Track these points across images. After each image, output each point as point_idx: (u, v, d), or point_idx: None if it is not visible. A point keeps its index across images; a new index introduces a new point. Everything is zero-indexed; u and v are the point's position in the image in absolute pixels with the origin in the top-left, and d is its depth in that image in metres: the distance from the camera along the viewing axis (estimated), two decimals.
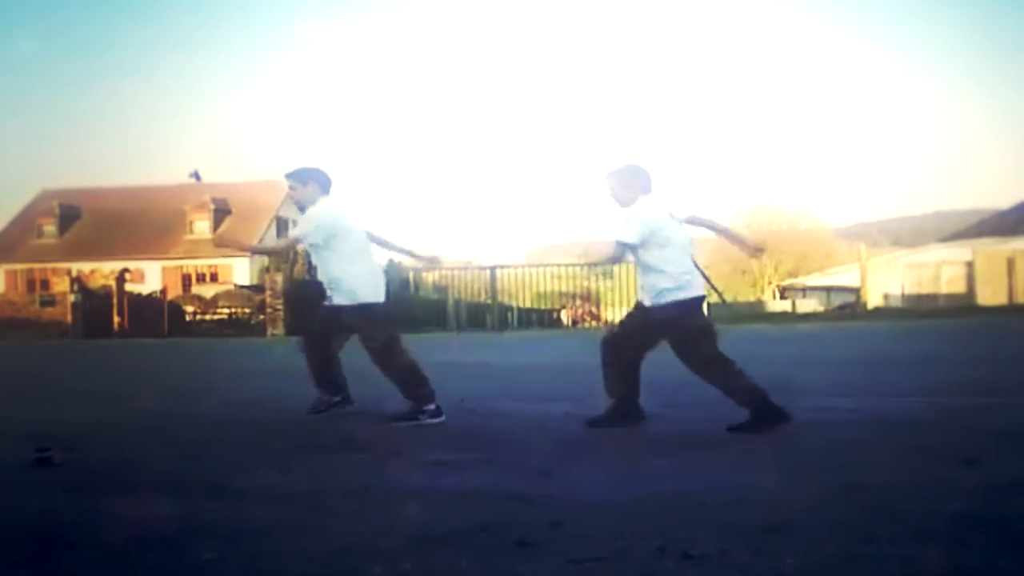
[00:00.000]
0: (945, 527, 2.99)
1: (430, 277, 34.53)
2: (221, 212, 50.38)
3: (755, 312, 32.08)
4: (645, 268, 5.44)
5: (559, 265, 30.73)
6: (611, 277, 30.27)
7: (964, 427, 5.28)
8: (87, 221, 51.84)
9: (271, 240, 44.31)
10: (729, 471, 4.13)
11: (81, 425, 6.31)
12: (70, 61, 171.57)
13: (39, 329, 29.57)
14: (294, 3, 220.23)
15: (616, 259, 5.75)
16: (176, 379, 11.53)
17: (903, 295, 35.16)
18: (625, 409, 5.47)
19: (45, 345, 24.73)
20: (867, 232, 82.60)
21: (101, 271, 37.03)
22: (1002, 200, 61.09)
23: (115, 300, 31.20)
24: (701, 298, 5.61)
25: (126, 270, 35.02)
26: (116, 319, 30.79)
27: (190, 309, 33.81)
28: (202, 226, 50.16)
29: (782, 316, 28.76)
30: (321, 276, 6.14)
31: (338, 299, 6.03)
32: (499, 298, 30.32)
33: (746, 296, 51.02)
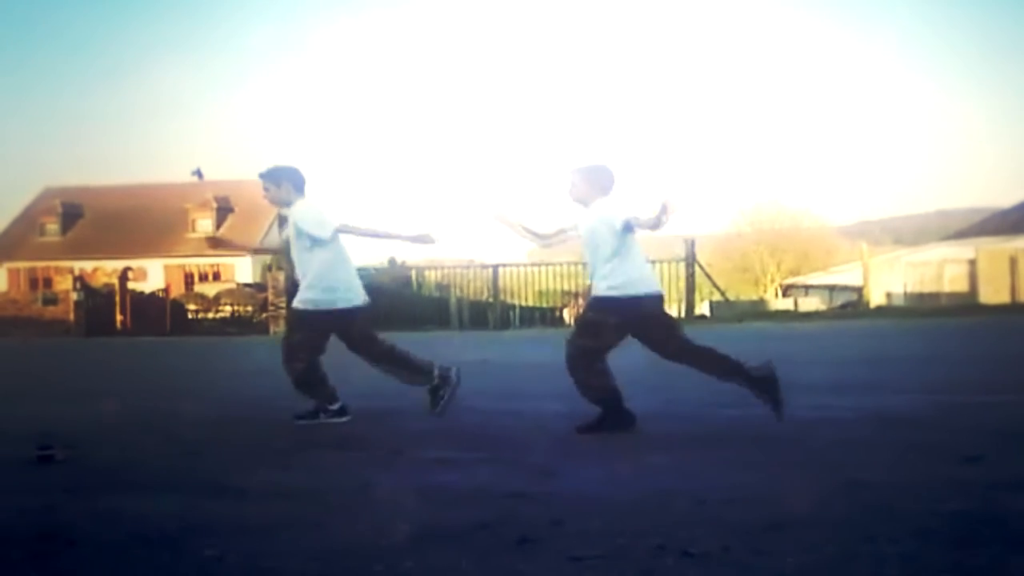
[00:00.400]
0: (946, 526, 2.99)
1: (432, 276, 34.52)
2: (223, 210, 50.41)
3: (757, 310, 32.01)
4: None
5: (561, 263, 30.66)
6: None
7: (965, 425, 5.27)
8: (89, 219, 51.86)
9: (273, 239, 44.40)
10: (729, 469, 4.12)
11: (83, 423, 6.32)
12: (71, 60, 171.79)
13: (42, 327, 29.59)
14: (297, 1, 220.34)
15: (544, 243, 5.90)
16: (178, 378, 11.54)
17: (905, 294, 35.10)
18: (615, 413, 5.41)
19: (47, 343, 24.75)
20: (869, 230, 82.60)
21: (103, 269, 37.02)
22: (1005, 198, 61.17)
23: (118, 298, 31.23)
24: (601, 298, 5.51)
25: (128, 268, 35.04)
26: (119, 317, 30.81)
27: (192, 307, 33.85)
28: (204, 224, 50.16)
29: (784, 314, 28.70)
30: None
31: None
32: (501, 296, 30.31)
33: (748, 294, 50.91)
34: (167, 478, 4.28)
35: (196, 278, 48.40)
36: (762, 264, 58.83)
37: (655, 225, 5.14)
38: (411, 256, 43.78)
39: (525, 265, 32.20)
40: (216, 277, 46.98)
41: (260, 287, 33.18)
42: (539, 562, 2.71)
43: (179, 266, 49.09)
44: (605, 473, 4.17)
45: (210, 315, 33.05)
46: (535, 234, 6.00)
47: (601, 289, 5.42)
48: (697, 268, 27.32)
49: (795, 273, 54.37)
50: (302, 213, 6.03)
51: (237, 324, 30.92)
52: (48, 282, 41.03)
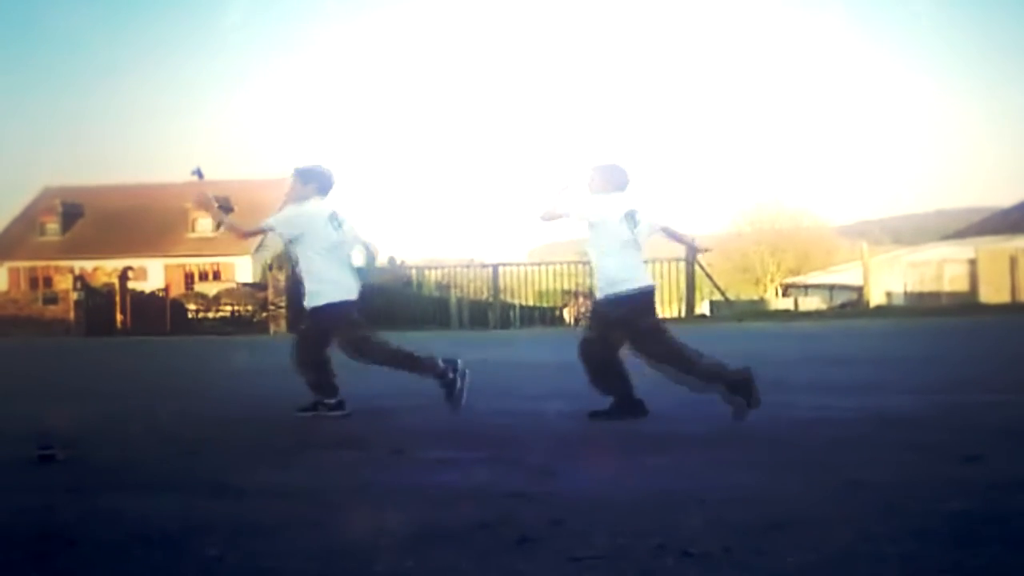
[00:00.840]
0: (946, 525, 2.99)
1: (432, 275, 34.53)
2: (223, 210, 50.21)
3: (757, 310, 32.01)
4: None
5: (561, 263, 30.68)
6: None
7: (966, 425, 5.27)
8: (89, 219, 51.84)
9: (274, 240, 44.32)
10: (729, 469, 4.12)
11: (83, 423, 6.32)
12: (71, 60, 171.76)
13: (42, 327, 29.59)
14: (297, 1, 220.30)
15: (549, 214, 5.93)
16: (178, 377, 11.53)
17: (905, 293, 35.10)
18: (627, 404, 5.64)
19: (48, 343, 24.76)
20: (869, 230, 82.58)
21: (104, 269, 37.00)
22: (1004, 198, 61.16)
23: (118, 298, 31.24)
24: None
25: (129, 268, 35.06)
26: (119, 317, 30.83)
27: (192, 307, 33.86)
28: (204, 224, 50.13)
29: (784, 314, 28.71)
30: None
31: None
32: (501, 296, 30.32)
33: (748, 294, 50.90)
34: (167, 478, 4.27)
35: (196, 277, 48.40)
36: (762, 264, 58.82)
37: (678, 240, 5.86)
38: (411, 256, 43.79)
39: (525, 265, 32.23)
40: (216, 276, 46.98)
41: (260, 287, 33.18)
42: (539, 562, 2.71)
43: (179, 266, 49.09)
44: (605, 473, 4.17)
45: (210, 315, 33.04)
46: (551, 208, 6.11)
47: (608, 284, 5.69)
48: (697, 268, 27.31)
49: (795, 273, 54.36)
50: (285, 211, 6.36)
51: (237, 324, 30.92)
52: (48, 281, 40.99)
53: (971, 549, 2.71)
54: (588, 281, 33.12)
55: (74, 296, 30.68)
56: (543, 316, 33.04)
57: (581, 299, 32.16)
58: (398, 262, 35.47)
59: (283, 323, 27.42)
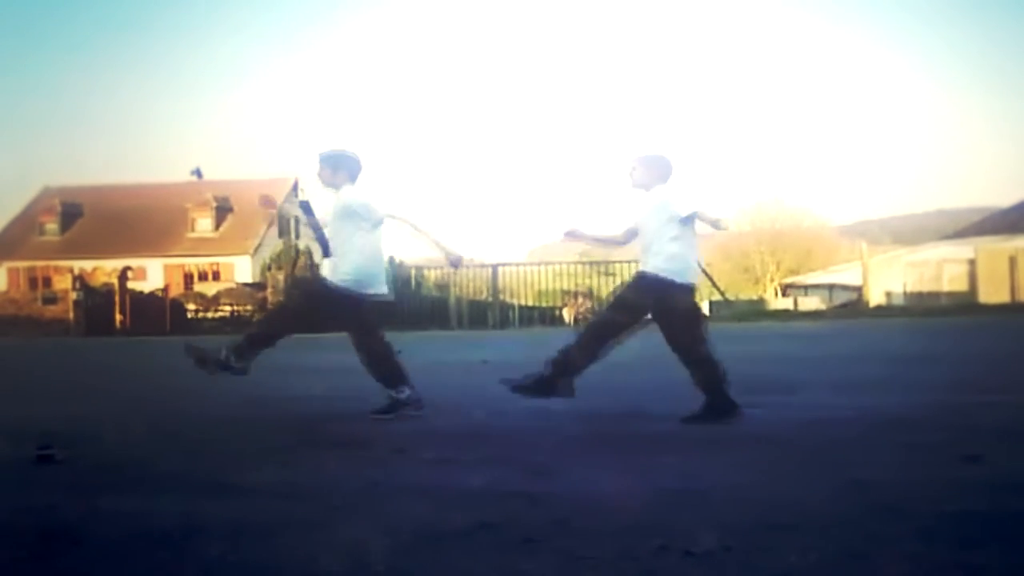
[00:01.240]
0: (947, 525, 2.99)
1: (431, 275, 34.53)
2: (223, 210, 50.42)
3: (757, 310, 32.05)
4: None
5: (561, 263, 30.71)
6: (612, 274, 30.27)
7: (966, 425, 5.28)
8: (89, 219, 51.86)
9: (273, 239, 44.32)
10: (731, 469, 4.12)
11: (83, 422, 6.32)
12: (71, 59, 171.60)
13: (41, 327, 29.61)
14: (297, 1, 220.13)
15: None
16: (178, 377, 11.52)
17: (905, 293, 35.13)
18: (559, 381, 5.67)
19: (47, 343, 24.75)
20: (869, 230, 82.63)
21: (103, 269, 37.02)
22: (1004, 198, 61.20)
23: (117, 298, 31.26)
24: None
25: (128, 268, 35.07)
26: (118, 317, 30.84)
27: (192, 307, 33.89)
28: (204, 224, 50.23)
29: (784, 314, 28.74)
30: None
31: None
32: (500, 296, 30.33)
33: (748, 294, 50.93)
34: (168, 477, 4.27)
35: (196, 277, 48.40)
36: (762, 264, 58.87)
37: (715, 226, 5.69)
38: (410, 255, 43.75)
39: (524, 265, 32.24)
40: (216, 276, 47.00)
41: (259, 286, 33.18)
42: (542, 561, 2.71)
43: (179, 265, 49.11)
44: (607, 473, 4.17)
45: (210, 314, 33.06)
46: (609, 239, 6.25)
47: (650, 267, 5.62)
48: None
49: (795, 273, 54.41)
50: (353, 195, 6.14)
51: (236, 323, 30.91)
52: (48, 281, 41.02)
53: (971, 549, 2.71)
54: (589, 281, 33.25)
55: (73, 296, 30.70)
56: (542, 316, 33.06)
57: (580, 299, 32.19)
58: (397, 262, 35.46)
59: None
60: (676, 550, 2.74)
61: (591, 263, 32.54)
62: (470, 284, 31.47)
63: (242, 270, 46.43)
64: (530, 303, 33.58)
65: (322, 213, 6.30)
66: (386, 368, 6.06)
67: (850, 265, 39.68)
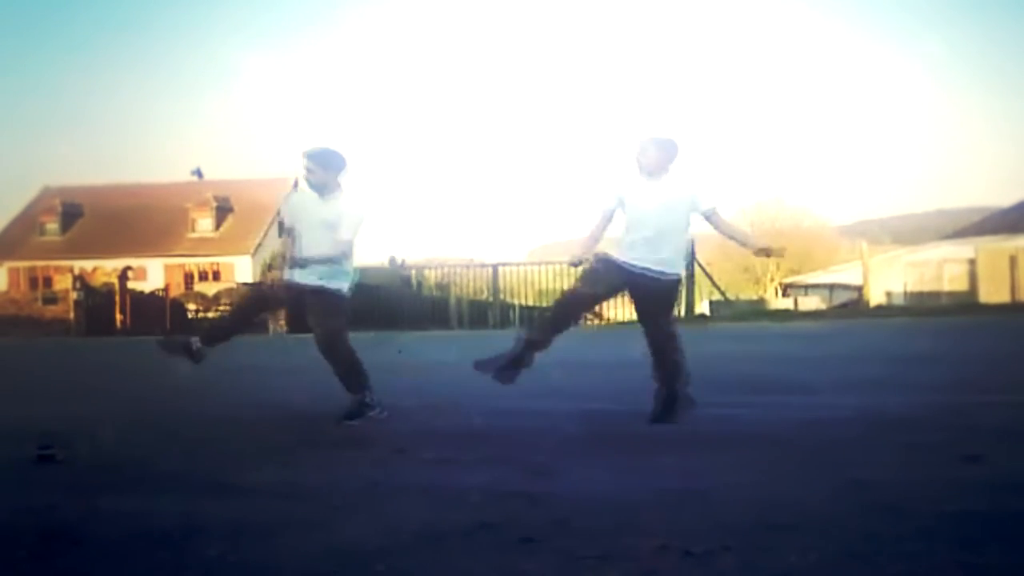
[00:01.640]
0: (947, 525, 2.99)
1: (432, 275, 34.52)
2: (223, 210, 50.40)
3: (757, 309, 31.99)
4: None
5: (561, 263, 30.66)
6: None
7: (966, 425, 5.27)
8: (89, 219, 51.82)
9: (273, 239, 44.30)
10: (730, 469, 4.12)
11: (83, 422, 6.32)
12: (71, 59, 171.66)
13: (41, 327, 29.59)
14: (297, 1, 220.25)
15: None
16: (178, 376, 11.52)
17: (905, 293, 35.10)
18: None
19: (47, 342, 24.75)
20: (869, 229, 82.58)
21: (103, 269, 36.98)
22: (1005, 197, 61.15)
23: (117, 298, 31.24)
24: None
25: (128, 268, 35.05)
26: (118, 317, 30.83)
27: (192, 307, 33.87)
28: (204, 224, 50.20)
29: (784, 314, 28.69)
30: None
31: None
32: (501, 296, 30.30)
33: (748, 293, 50.88)
34: (168, 477, 4.28)
35: (196, 277, 48.39)
36: (762, 263, 58.78)
37: (741, 241, 5.81)
38: (411, 255, 43.78)
39: (525, 264, 32.21)
40: (216, 277, 46.99)
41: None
42: (541, 561, 2.71)
43: (179, 265, 49.08)
44: (607, 473, 4.17)
45: (210, 314, 33.02)
46: (599, 235, 5.95)
47: (661, 256, 5.55)
48: (697, 267, 27.30)
49: (795, 272, 54.37)
50: (350, 210, 6.04)
51: None
52: (48, 281, 41.00)
53: (971, 549, 2.71)
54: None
55: (74, 296, 30.68)
56: (543, 316, 33.03)
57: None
58: (398, 261, 35.46)
59: (283, 323, 27.39)
60: (676, 550, 2.74)
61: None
62: (470, 284, 31.45)
63: (242, 270, 46.37)
64: (531, 303, 33.57)
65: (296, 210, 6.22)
66: (353, 372, 6.03)
67: (850, 265, 39.63)
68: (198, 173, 55.31)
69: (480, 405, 6.50)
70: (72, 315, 30.21)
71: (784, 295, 43.73)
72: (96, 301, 30.98)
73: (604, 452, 4.73)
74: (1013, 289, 30.45)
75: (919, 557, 2.64)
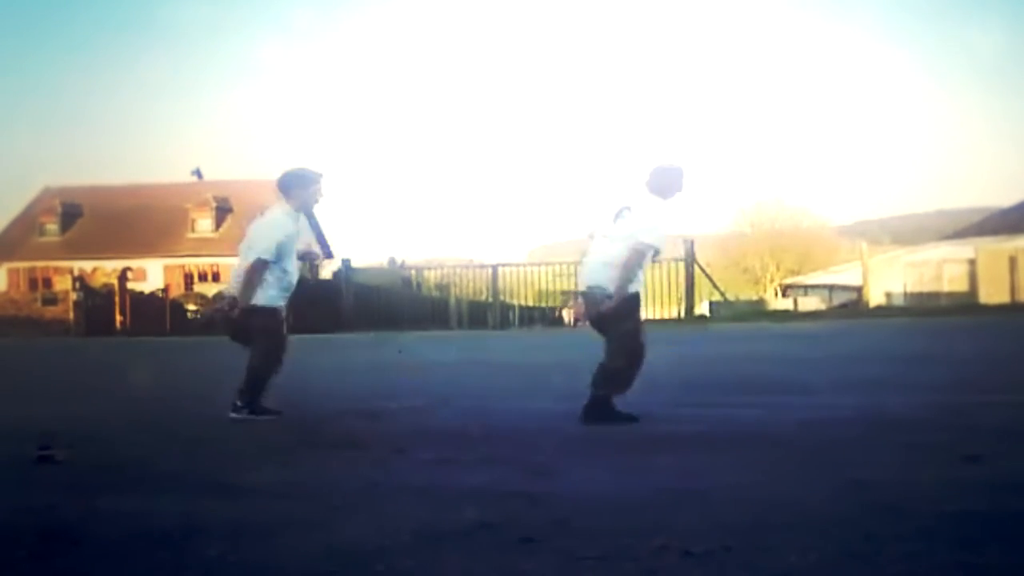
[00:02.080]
0: (947, 524, 2.99)
1: (432, 276, 34.54)
2: (223, 210, 50.40)
3: (757, 310, 32.01)
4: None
5: (561, 263, 30.67)
6: None
7: (966, 425, 5.27)
8: (89, 219, 51.81)
9: None
10: (731, 469, 4.12)
11: (83, 423, 6.32)
12: (71, 59, 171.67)
13: (41, 327, 29.59)
14: (297, 1, 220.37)
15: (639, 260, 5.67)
16: (177, 377, 11.53)
17: (905, 293, 35.10)
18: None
19: (47, 343, 24.75)
20: (869, 230, 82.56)
21: (103, 269, 37.02)
22: (1004, 198, 61.18)
23: (117, 298, 31.23)
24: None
25: (128, 268, 35.06)
26: (118, 317, 30.82)
27: (192, 307, 33.85)
28: (204, 224, 50.20)
29: (784, 314, 28.71)
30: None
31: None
32: (500, 296, 30.31)
33: (748, 294, 50.90)
34: (168, 477, 4.28)
35: (195, 278, 48.40)
36: (762, 264, 58.85)
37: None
38: (411, 256, 43.80)
39: (524, 265, 32.22)
40: (216, 277, 46.98)
41: None
42: (541, 561, 2.71)
43: (179, 266, 49.09)
44: (607, 473, 4.17)
45: None
46: None
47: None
48: (697, 268, 27.31)
49: (795, 273, 54.38)
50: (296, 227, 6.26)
51: None
52: (48, 282, 41.02)
53: (971, 549, 2.71)
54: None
55: (73, 297, 30.68)
56: (542, 317, 33.05)
57: (580, 300, 32.14)
58: (398, 262, 35.47)
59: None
60: (676, 550, 2.74)
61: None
62: (470, 285, 31.47)
63: None
64: (530, 304, 33.58)
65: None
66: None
67: (850, 265, 39.64)
68: (198, 173, 55.31)
69: (480, 405, 6.50)
70: (72, 316, 30.21)
71: (784, 296, 43.72)
72: (96, 302, 30.98)
73: (604, 452, 4.73)
74: (1013, 290, 30.45)
75: (919, 557, 2.63)
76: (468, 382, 7.84)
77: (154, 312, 31.71)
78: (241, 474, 4.27)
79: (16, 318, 30.41)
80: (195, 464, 4.63)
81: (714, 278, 32.13)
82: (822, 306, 33.96)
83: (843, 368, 9.85)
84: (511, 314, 31.45)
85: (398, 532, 3.06)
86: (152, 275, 45.20)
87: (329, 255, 41.40)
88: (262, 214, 6.31)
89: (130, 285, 32.99)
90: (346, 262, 30.18)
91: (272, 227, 6.10)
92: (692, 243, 27.06)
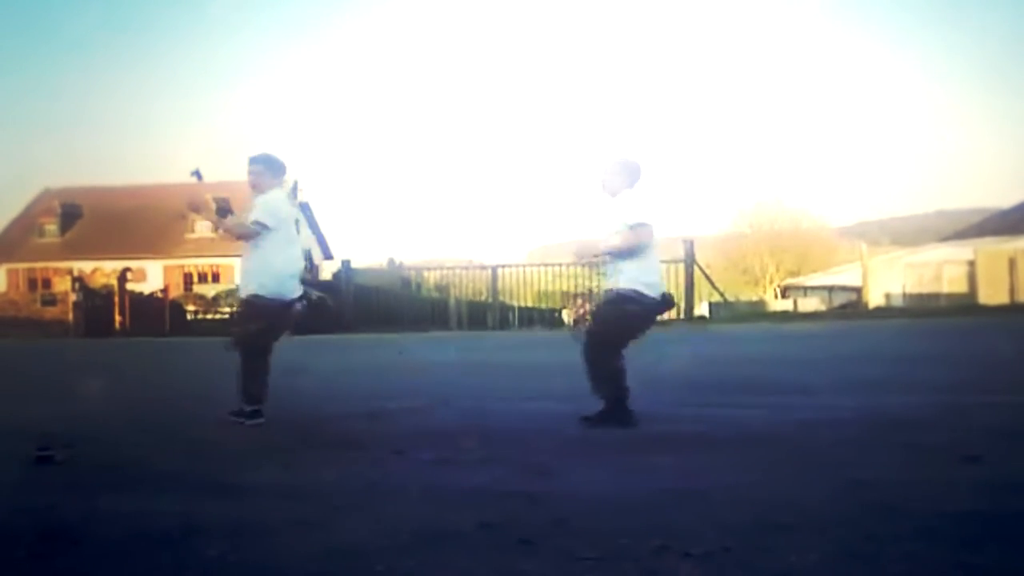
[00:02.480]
0: (947, 525, 2.99)
1: (431, 276, 34.55)
2: (223, 211, 50.39)
3: (756, 311, 32.03)
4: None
5: (560, 264, 30.66)
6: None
7: (966, 425, 5.27)
8: (89, 220, 51.81)
9: None
10: (730, 469, 4.12)
11: (82, 423, 6.31)
12: (71, 59, 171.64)
13: (41, 328, 29.58)
14: (296, 1, 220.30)
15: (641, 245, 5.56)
16: (177, 378, 11.53)
17: (904, 294, 35.10)
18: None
19: (47, 344, 24.74)
20: (868, 231, 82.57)
21: (102, 270, 37.00)
22: (1004, 199, 61.25)
23: (116, 299, 31.22)
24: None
25: (128, 269, 35.03)
26: (117, 318, 30.81)
27: (191, 308, 33.87)
28: (204, 225, 50.16)
29: (783, 315, 28.73)
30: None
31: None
32: (500, 297, 30.30)
33: (747, 295, 50.90)
34: (168, 477, 4.27)
35: (195, 279, 48.40)
36: (761, 265, 58.84)
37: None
38: (410, 257, 43.79)
39: (524, 266, 32.20)
40: (215, 278, 47.00)
41: None
42: (541, 562, 2.71)
43: (178, 267, 49.10)
44: (606, 473, 4.17)
45: (209, 316, 33.03)
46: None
47: (620, 283, 5.48)
48: (696, 269, 27.31)
49: (794, 274, 54.38)
50: (262, 203, 6.07)
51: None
52: (47, 283, 41.02)
53: (971, 549, 2.71)
54: (588, 283, 33.31)
55: (73, 297, 30.67)
56: (542, 318, 33.05)
57: (580, 301, 32.17)
58: (397, 263, 35.46)
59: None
60: (676, 550, 2.74)
61: (591, 264, 32.40)
62: (469, 285, 31.46)
63: None
64: (530, 304, 33.57)
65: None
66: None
67: (850, 266, 39.66)
68: (197, 174, 55.27)
69: (480, 406, 6.50)
70: (71, 316, 30.20)
71: (783, 297, 43.74)
72: (95, 303, 30.98)
73: (604, 452, 4.73)
74: (1012, 290, 30.45)
75: (919, 557, 2.63)
76: (468, 383, 7.84)
77: (154, 313, 31.70)
78: (241, 474, 4.27)
79: (16, 319, 30.41)
80: (195, 464, 4.63)
81: (714, 279, 32.13)
82: (822, 307, 33.99)
83: (843, 369, 9.85)
84: (511, 315, 31.44)
85: (398, 532, 3.06)
86: (152, 276, 45.21)
87: (329, 256, 41.36)
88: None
89: (130, 286, 32.97)
90: (346, 263, 30.19)
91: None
92: (692, 244, 27.06)
